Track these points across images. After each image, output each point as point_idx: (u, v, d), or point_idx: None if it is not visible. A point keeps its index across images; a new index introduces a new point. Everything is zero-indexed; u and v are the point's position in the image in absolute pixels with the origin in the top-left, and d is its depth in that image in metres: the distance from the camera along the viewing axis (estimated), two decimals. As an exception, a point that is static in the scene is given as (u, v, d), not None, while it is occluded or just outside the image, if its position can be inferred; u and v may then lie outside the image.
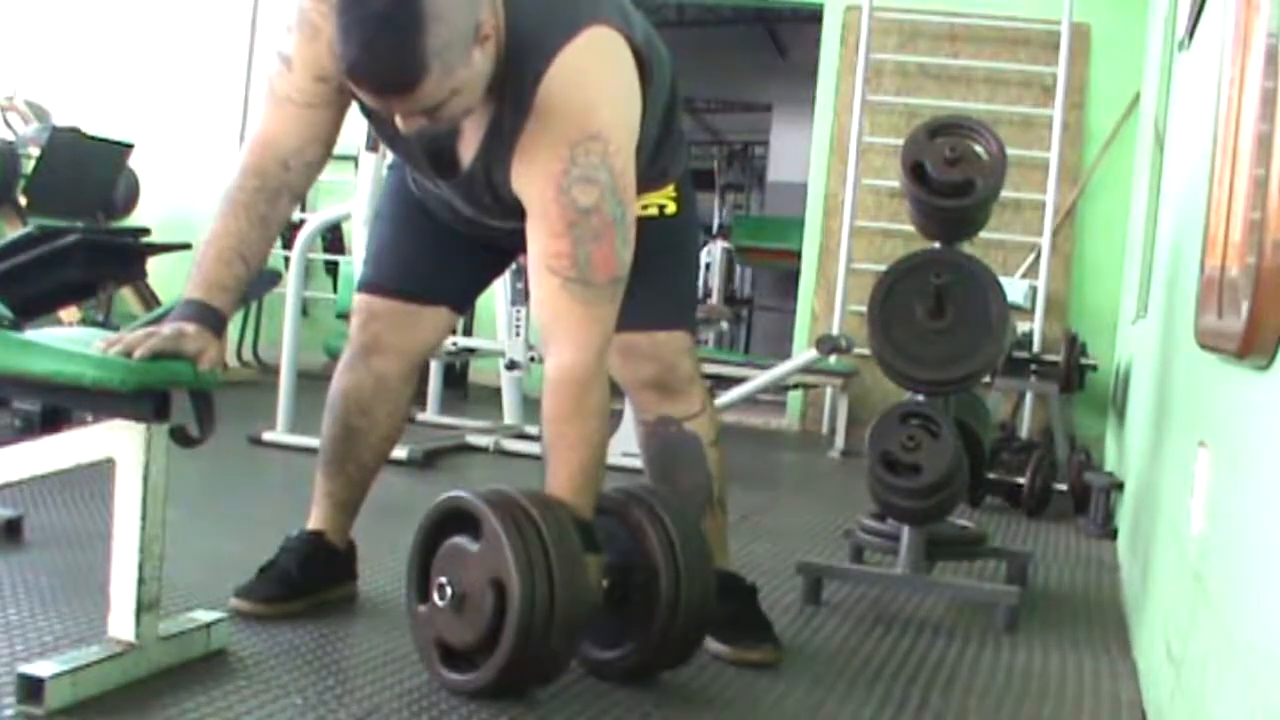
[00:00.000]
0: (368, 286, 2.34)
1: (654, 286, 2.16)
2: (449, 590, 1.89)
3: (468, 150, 2.02)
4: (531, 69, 1.91)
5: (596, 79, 1.96)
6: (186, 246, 5.18)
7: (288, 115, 2.02)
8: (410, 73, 1.76)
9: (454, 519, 1.95)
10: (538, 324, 2.04)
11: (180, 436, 1.85)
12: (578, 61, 1.92)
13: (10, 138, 6.25)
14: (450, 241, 2.28)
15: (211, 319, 1.90)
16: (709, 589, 2.04)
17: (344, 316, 4.05)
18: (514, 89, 1.92)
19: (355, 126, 2.18)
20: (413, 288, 2.32)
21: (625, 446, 3.23)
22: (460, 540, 1.92)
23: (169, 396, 1.80)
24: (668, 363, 2.26)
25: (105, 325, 4.18)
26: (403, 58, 1.75)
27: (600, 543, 1.96)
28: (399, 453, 4.04)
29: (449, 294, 2.37)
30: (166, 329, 1.83)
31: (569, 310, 1.96)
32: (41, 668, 1.69)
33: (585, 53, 1.93)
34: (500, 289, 5.23)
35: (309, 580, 2.31)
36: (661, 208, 2.25)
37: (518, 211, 2.02)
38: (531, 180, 1.96)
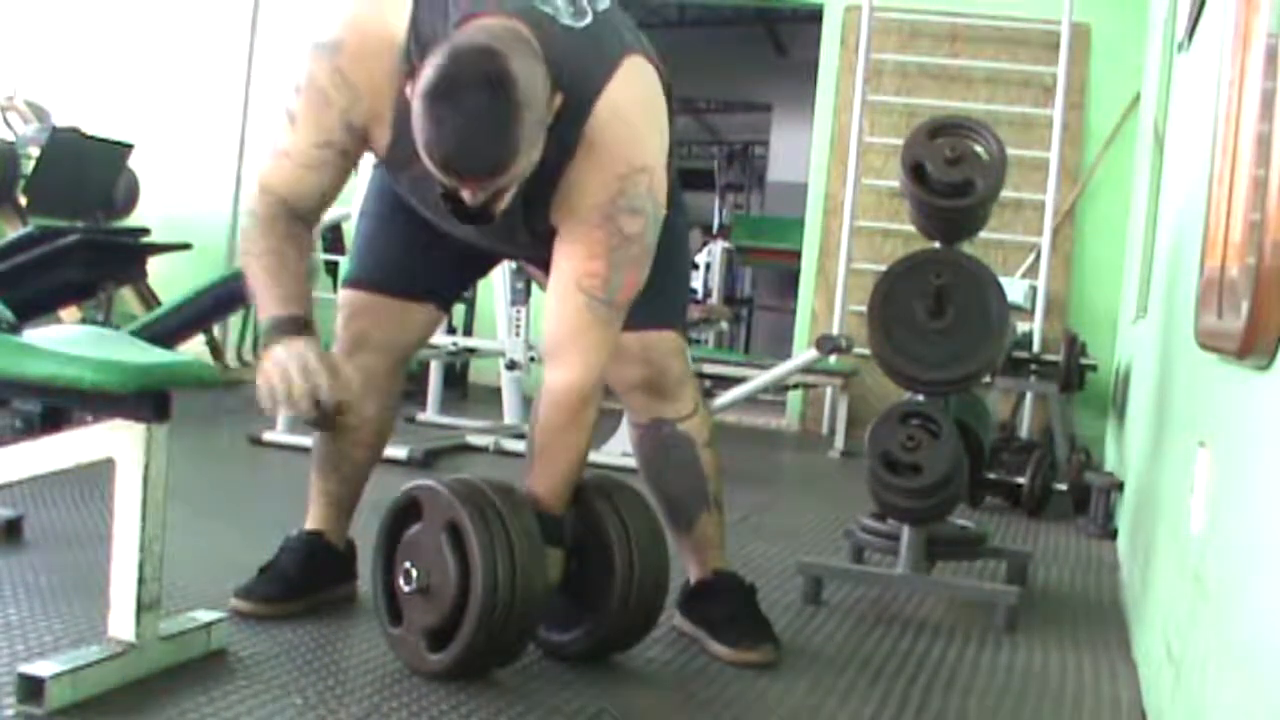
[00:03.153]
0: (353, 282, 2.34)
1: (644, 288, 2.16)
2: (414, 574, 1.96)
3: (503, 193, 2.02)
4: (576, 109, 1.94)
5: (642, 112, 2.02)
6: (187, 246, 5.21)
7: (284, 170, 2.03)
8: (504, 161, 1.80)
9: (412, 509, 2.03)
10: (548, 334, 2.07)
11: None
12: (623, 94, 1.98)
13: (10, 138, 6.25)
14: (436, 240, 2.27)
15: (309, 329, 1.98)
16: (662, 573, 2.12)
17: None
18: (556, 129, 1.93)
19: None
20: (398, 284, 2.31)
21: (625, 446, 3.24)
22: (420, 526, 2.00)
23: (169, 396, 1.80)
24: (659, 364, 2.26)
25: (105, 325, 4.18)
26: (499, 148, 1.79)
27: (565, 537, 2.05)
28: (399, 452, 4.05)
29: (435, 291, 2.37)
30: (312, 361, 1.92)
31: (588, 329, 2.02)
32: (41, 668, 1.70)
33: (628, 85, 1.99)
34: (500, 289, 5.23)
35: (309, 580, 2.31)
36: None
37: (547, 241, 2.06)
38: (576, 209, 2.00)
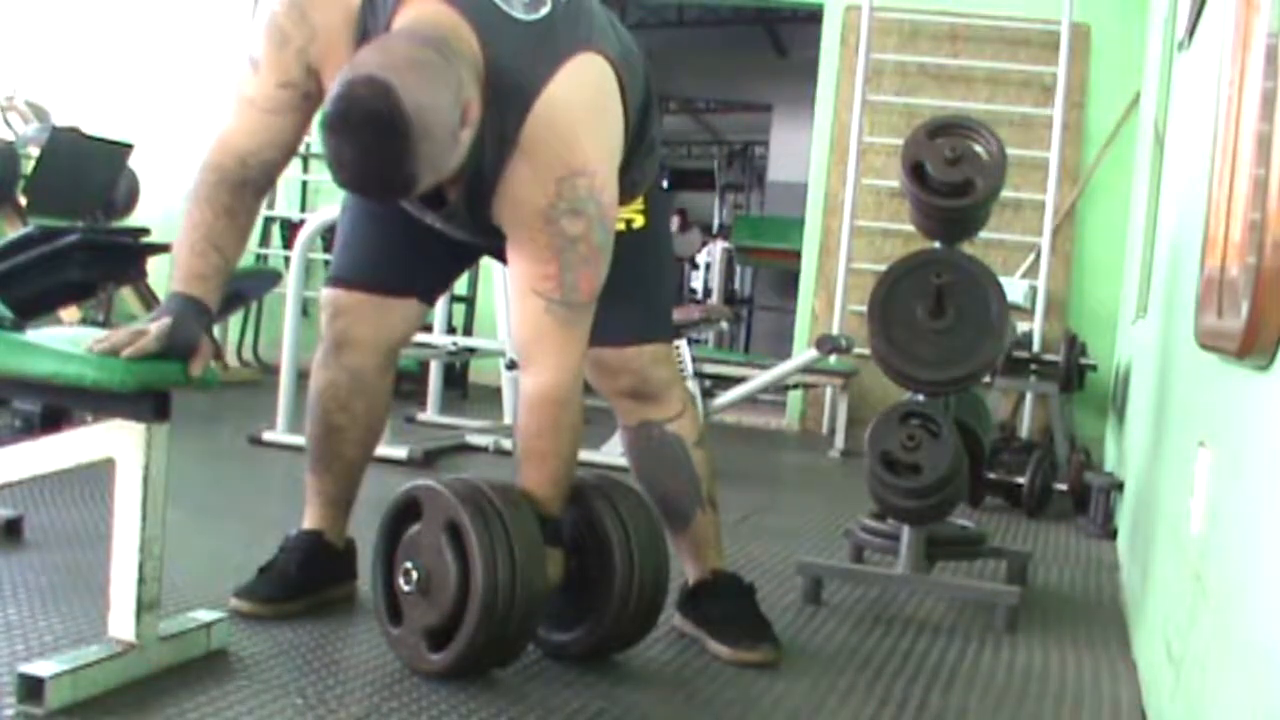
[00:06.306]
0: (333, 281, 2.33)
1: (620, 302, 2.14)
2: (414, 574, 1.97)
3: (452, 185, 2.01)
4: (517, 104, 1.92)
5: (582, 112, 1.97)
6: (186, 246, 5.20)
7: (249, 118, 2.01)
8: (403, 188, 1.80)
9: (412, 509, 2.03)
10: (515, 340, 2.07)
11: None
12: (563, 95, 1.93)
13: (10, 138, 6.24)
14: (417, 233, 2.25)
15: (195, 309, 1.89)
16: (662, 572, 2.12)
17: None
18: (497, 124, 1.91)
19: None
20: (378, 280, 2.30)
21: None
22: (420, 526, 2.00)
23: (169, 396, 1.80)
24: (640, 374, 2.26)
25: (105, 325, 4.18)
26: (394, 178, 1.76)
27: (564, 538, 2.06)
28: (399, 452, 4.05)
29: (416, 285, 2.35)
30: (154, 327, 1.81)
31: (552, 332, 2.00)
32: (41, 668, 1.70)
33: (570, 85, 1.94)
34: (500, 289, 5.23)
35: (309, 580, 2.31)
36: (629, 222, 2.21)
37: (501, 234, 2.05)
38: (517, 214, 1.99)
